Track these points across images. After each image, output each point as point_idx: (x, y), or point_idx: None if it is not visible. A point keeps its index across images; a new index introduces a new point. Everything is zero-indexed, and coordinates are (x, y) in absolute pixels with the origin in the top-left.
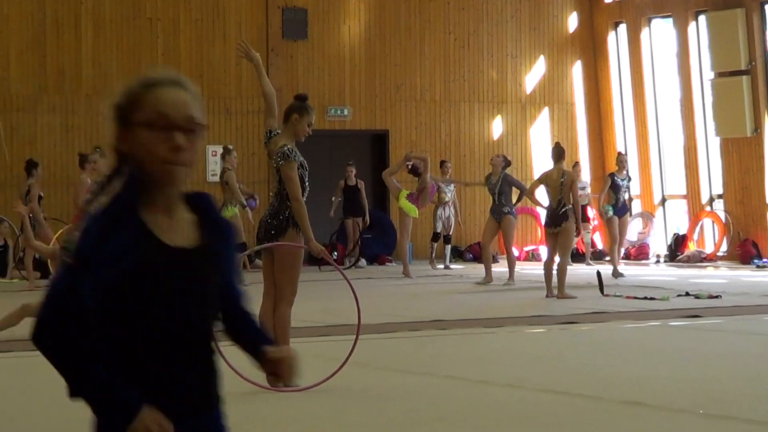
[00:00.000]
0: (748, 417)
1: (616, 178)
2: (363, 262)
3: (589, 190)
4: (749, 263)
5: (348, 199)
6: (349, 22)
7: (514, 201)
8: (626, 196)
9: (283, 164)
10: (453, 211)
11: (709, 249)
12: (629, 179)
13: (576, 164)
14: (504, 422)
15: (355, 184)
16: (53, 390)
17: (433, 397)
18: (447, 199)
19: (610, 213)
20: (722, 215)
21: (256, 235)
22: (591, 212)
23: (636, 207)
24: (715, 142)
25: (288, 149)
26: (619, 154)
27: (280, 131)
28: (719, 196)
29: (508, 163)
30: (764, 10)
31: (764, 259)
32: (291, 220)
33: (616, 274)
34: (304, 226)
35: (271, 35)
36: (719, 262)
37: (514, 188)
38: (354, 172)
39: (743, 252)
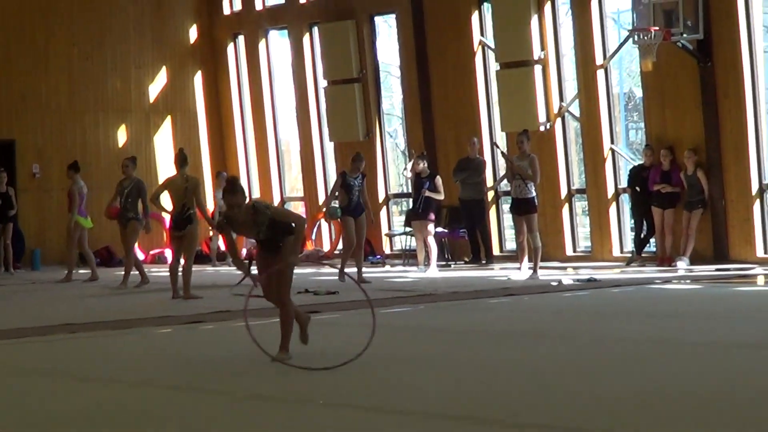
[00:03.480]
0: (369, 405)
1: (348, 177)
2: None
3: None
4: (365, 260)
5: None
6: None
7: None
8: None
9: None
10: None
11: (327, 247)
12: (363, 177)
13: (219, 174)
14: (128, 419)
15: (5, 191)
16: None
17: (61, 400)
18: None
19: (339, 213)
20: None
21: None
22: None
23: None
24: (329, 146)
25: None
26: (357, 153)
27: None
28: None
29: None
30: (374, 22)
31: (378, 256)
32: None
33: (359, 278)
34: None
35: None
36: (336, 260)
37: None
38: (5, 179)
39: None
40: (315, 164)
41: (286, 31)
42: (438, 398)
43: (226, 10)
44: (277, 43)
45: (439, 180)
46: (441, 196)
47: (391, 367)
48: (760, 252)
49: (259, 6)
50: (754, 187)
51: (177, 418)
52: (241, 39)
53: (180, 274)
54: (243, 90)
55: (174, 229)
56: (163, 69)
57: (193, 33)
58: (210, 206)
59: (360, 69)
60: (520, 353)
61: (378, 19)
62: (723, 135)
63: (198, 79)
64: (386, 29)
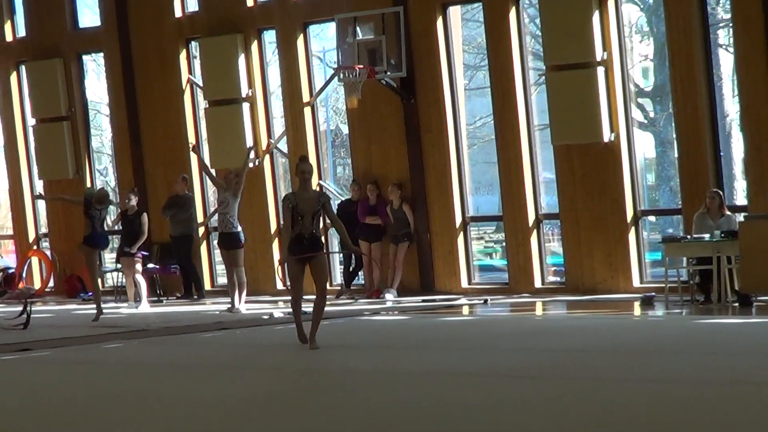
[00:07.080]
0: None
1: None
2: None
3: None
4: (76, 297)
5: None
6: None
7: None
8: None
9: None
10: None
11: (38, 285)
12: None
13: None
14: None
15: None
16: None
17: None
18: None
19: None
20: (49, 253)
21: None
22: None
23: None
24: (39, 184)
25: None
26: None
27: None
28: (45, 236)
29: None
30: (82, 60)
31: (89, 293)
32: None
33: None
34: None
35: None
36: (48, 297)
37: None
38: None
39: (70, 287)
40: (25, 202)
41: None
42: None
43: None
44: None
45: (144, 218)
46: (143, 236)
47: (95, 404)
48: (464, 283)
49: None
50: (458, 220)
51: None
52: None
53: None
54: None
55: None
56: None
57: None
58: None
59: (69, 107)
60: (227, 386)
61: (86, 58)
62: (427, 170)
63: None
64: (95, 67)
